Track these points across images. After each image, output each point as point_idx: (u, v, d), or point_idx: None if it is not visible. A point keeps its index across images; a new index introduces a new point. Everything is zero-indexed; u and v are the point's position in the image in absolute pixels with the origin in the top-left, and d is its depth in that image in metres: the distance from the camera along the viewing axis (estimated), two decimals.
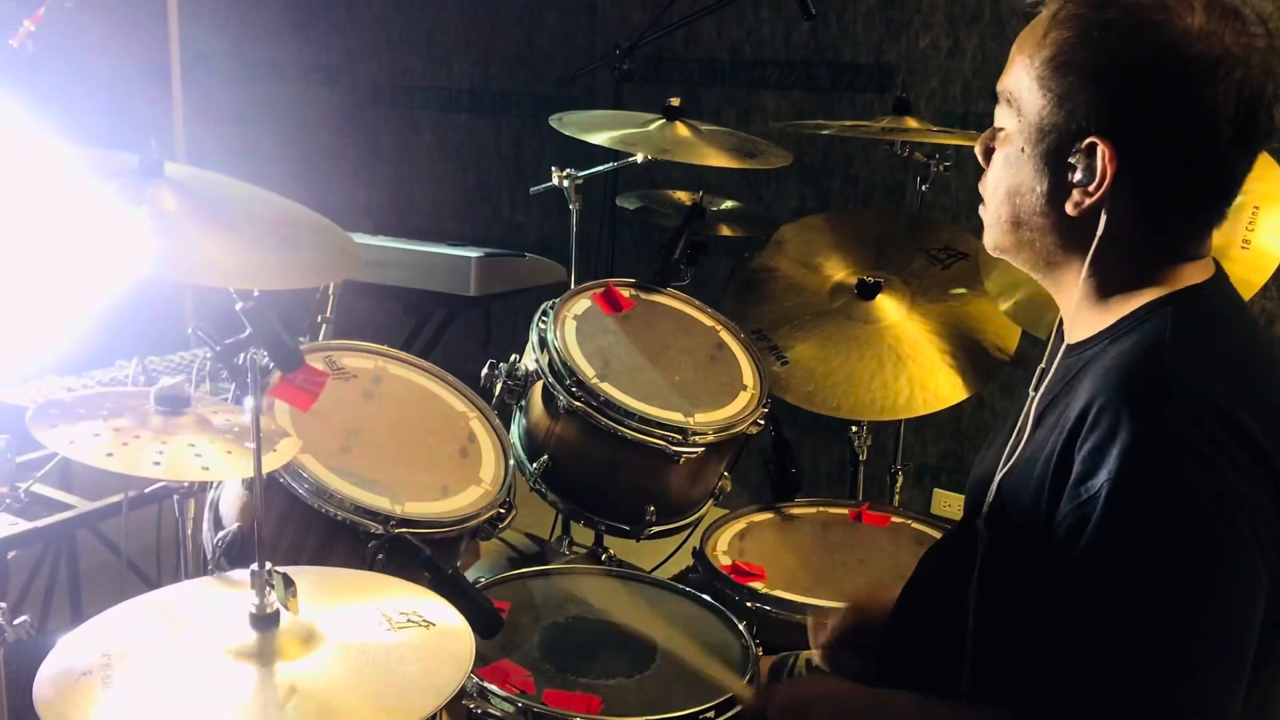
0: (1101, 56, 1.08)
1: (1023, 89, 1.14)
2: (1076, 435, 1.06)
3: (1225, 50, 1.04)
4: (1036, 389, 1.22)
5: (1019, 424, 1.21)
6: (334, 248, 1.57)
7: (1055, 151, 1.12)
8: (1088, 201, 1.11)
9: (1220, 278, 1.17)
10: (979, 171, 1.25)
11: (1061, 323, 1.23)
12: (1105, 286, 1.16)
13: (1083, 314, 1.18)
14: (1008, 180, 1.18)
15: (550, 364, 1.90)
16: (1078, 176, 1.11)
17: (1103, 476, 1.02)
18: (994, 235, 1.22)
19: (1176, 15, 1.05)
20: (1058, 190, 1.13)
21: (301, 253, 1.52)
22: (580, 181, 2.33)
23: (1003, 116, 1.18)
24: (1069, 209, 1.12)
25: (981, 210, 1.24)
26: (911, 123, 2.50)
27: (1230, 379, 1.06)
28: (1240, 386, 1.05)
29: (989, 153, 1.21)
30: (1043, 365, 1.24)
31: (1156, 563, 1.00)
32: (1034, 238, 1.18)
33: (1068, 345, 1.21)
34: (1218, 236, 1.17)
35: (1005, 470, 1.19)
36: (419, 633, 1.20)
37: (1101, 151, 1.08)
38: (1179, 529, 1.00)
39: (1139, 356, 1.08)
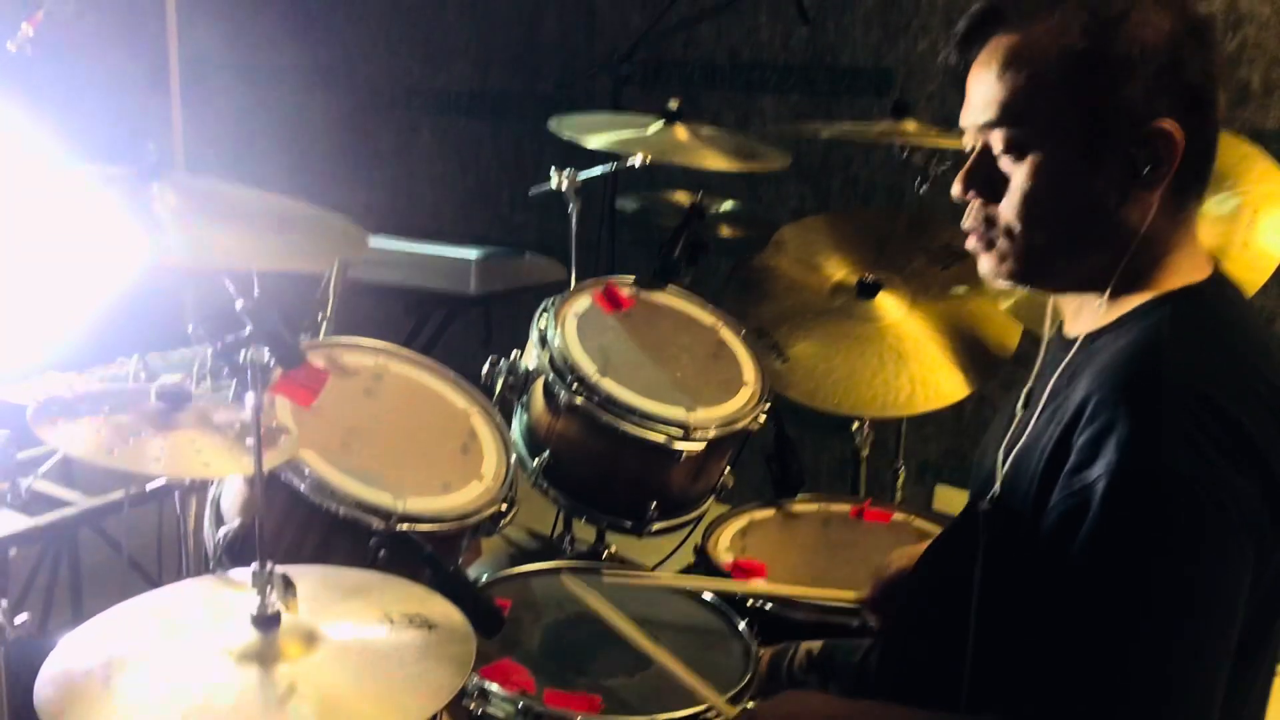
0: (1131, 40, 1.08)
1: (1039, 99, 1.11)
2: (1074, 427, 1.07)
3: (1202, 20, 1.11)
4: (1039, 379, 1.22)
5: (1020, 414, 1.22)
6: (336, 231, 1.55)
7: (1108, 147, 1.10)
8: (1157, 188, 1.11)
9: (1219, 277, 1.17)
10: None
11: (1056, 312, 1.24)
12: (1117, 279, 1.15)
13: (1089, 306, 1.18)
14: (1047, 197, 1.13)
15: (551, 361, 1.90)
16: (1140, 164, 1.10)
17: (1099, 469, 1.02)
18: (1019, 262, 1.16)
19: None
20: (1114, 186, 1.11)
21: (304, 235, 1.51)
22: (580, 183, 2.33)
23: (999, 139, 1.14)
24: (1128, 199, 1.11)
25: (971, 244, 1.20)
26: (910, 125, 2.50)
27: (1227, 378, 1.07)
28: (1237, 387, 1.06)
29: (989, 182, 1.16)
30: (1043, 356, 1.24)
31: (1152, 559, 1.00)
32: (1073, 248, 1.14)
33: (1071, 337, 1.20)
34: (1218, 237, 1.18)
35: (1006, 460, 1.19)
36: (420, 633, 1.20)
37: (1167, 129, 1.08)
38: (1176, 524, 1.00)
39: (1137, 353, 1.09)
